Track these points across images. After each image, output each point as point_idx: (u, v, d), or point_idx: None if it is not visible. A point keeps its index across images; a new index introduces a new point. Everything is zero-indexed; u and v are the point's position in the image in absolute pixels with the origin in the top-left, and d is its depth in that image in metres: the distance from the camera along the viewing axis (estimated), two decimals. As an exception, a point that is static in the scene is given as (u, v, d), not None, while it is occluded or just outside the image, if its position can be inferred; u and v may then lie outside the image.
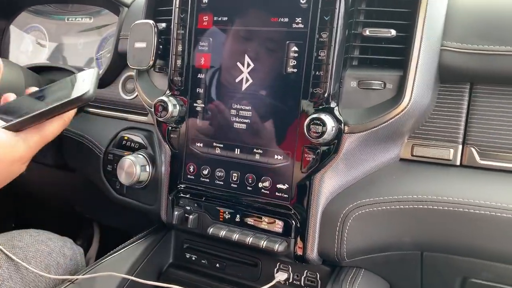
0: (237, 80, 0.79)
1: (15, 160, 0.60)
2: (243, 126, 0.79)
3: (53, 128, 0.66)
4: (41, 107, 0.65)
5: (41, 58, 1.25)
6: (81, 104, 0.67)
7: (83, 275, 0.78)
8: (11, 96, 0.71)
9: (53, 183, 1.28)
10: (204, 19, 0.81)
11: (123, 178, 0.88)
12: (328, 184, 0.74)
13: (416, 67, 0.69)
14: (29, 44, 1.29)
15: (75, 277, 0.77)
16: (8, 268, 0.76)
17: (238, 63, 0.78)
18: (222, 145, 0.81)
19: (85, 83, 0.67)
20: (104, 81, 1.03)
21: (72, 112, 0.70)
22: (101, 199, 1.08)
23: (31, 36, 1.28)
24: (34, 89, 0.74)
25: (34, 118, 0.65)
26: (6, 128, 0.63)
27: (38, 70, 1.11)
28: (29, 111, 0.65)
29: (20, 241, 0.81)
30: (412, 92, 0.69)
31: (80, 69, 1.13)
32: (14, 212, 1.64)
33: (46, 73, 1.13)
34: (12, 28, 1.30)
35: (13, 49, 1.30)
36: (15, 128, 0.64)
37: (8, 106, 0.70)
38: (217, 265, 0.90)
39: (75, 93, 0.66)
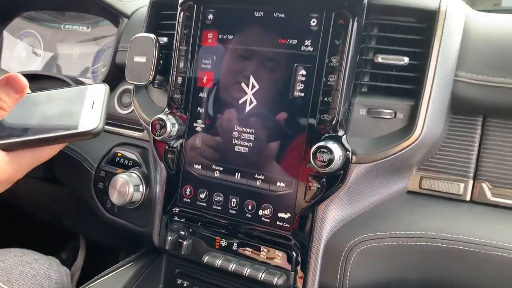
0: (240, 101, 0.75)
1: (2, 181, 0.55)
2: (245, 149, 0.75)
3: (50, 152, 0.60)
4: (40, 129, 0.58)
5: (34, 65, 1.20)
6: (90, 138, 0.60)
7: (67, 301, 0.73)
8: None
9: (40, 196, 1.23)
10: (209, 36, 0.78)
11: (115, 197, 0.84)
12: (332, 215, 0.70)
13: (429, 98, 0.66)
14: (22, 51, 1.25)
15: (59, 303, 0.73)
16: (-11, 291, 0.71)
17: (243, 84, 0.75)
18: (221, 168, 0.77)
19: (95, 111, 0.60)
20: (99, 94, 0.99)
21: None
22: (90, 215, 1.03)
23: (25, 42, 1.23)
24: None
25: (31, 143, 0.58)
26: None
27: (29, 78, 1.06)
28: (26, 130, 0.58)
29: (3, 261, 0.77)
30: (424, 123, 0.66)
31: (74, 79, 1.09)
32: (-4, 222, 1.58)
33: (37, 82, 1.08)
34: (5, 33, 1.26)
35: (5, 55, 1.26)
36: (8, 149, 0.57)
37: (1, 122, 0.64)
38: (210, 293, 0.85)
39: (83, 125, 0.58)
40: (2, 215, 1.56)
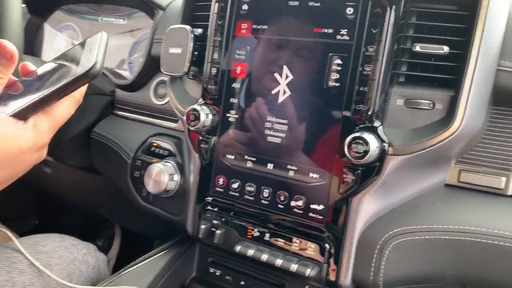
0: (273, 92, 0.75)
1: (27, 149, 0.54)
2: (278, 140, 0.75)
3: (64, 109, 0.58)
4: (45, 88, 0.57)
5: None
6: (89, 81, 0.58)
7: (104, 286, 0.75)
8: (31, 66, 0.64)
9: (78, 184, 1.27)
10: (243, 27, 0.77)
11: (150, 186, 0.85)
12: (367, 207, 0.69)
13: (470, 88, 0.64)
14: (61, 42, 1.28)
15: (96, 287, 0.75)
16: (31, 274, 0.74)
17: (276, 74, 0.75)
18: (254, 159, 0.77)
19: (92, 54, 0.57)
20: (135, 85, 1.01)
21: (84, 87, 0.61)
22: (125, 204, 1.06)
23: (65, 35, 1.27)
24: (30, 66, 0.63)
25: (40, 103, 0.56)
26: (11, 116, 0.56)
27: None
28: (33, 95, 0.57)
29: (44, 246, 0.79)
30: (464, 114, 0.64)
31: (111, 70, 1.12)
32: (36, 210, 1.65)
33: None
34: (46, 26, 1.30)
35: (46, 47, 1.30)
36: (21, 116, 0.57)
37: (9, 93, 0.62)
38: (242, 282, 0.86)
39: (81, 68, 0.56)
40: (40, 203, 1.63)
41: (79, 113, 1.03)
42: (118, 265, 1.42)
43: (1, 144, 0.49)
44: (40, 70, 0.62)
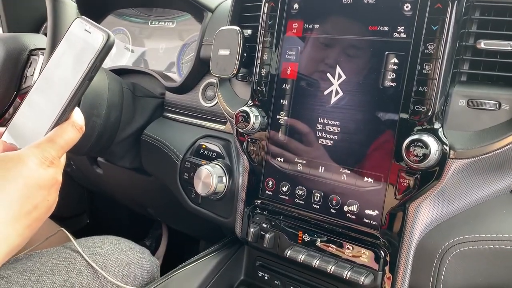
0: (325, 93, 0.73)
1: (34, 164, 0.52)
2: (330, 142, 0.73)
3: (67, 135, 0.56)
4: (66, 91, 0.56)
5: (124, 60, 1.26)
6: (109, 51, 0.56)
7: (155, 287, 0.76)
8: None
9: (128, 185, 1.30)
10: (294, 26, 0.76)
11: (200, 188, 0.85)
12: (426, 214, 0.65)
13: (542, 87, 0.59)
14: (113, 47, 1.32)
15: (147, 288, 0.76)
16: (88, 275, 0.75)
17: (328, 74, 0.73)
18: (304, 162, 0.75)
19: (94, 31, 0.56)
20: (184, 87, 1.02)
21: (82, 118, 0.58)
22: (173, 204, 1.07)
23: (116, 38, 1.30)
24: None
25: (72, 99, 0.56)
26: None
27: (119, 72, 1.12)
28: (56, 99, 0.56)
29: (101, 248, 0.81)
30: (534, 115, 0.59)
31: (160, 73, 1.13)
32: (88, 209, 1.70)
33: (126, 76, 1.14)
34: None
35: (98, 51, 1.34)
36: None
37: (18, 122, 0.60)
38: (291, 287, 0.84)
39: (97, 44, 0.54)
40: (95, 201, 1.68)
41: (130, 115, 1.05)
42: (165, 265, 1.44)
43: (13, 164, 0.50)
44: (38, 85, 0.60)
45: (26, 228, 0.50)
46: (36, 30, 1.34)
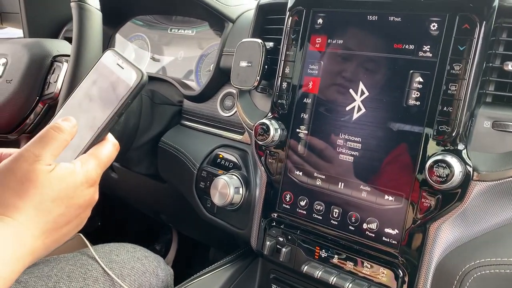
0: (347, 108, 0.73)
1: (81, 183, 0.53)
2: (350, 158, 0.72)
3: (107, 150, 0.57)
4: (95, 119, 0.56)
5: (142, 67, 1.27)
6: (141, 90, 0.56)
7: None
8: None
9: (142, 190, 1.30)
10: (317, 41, 0.76)
11: (216, 198, 0.85)
12: (446, 235, 0.65)
13: None
14: (132, 52, 1.33)
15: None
16: (104, 283, 0.76)
17: (351, 90, 0.72)
18: (324, 177, 0.75)
19: (127, 68, 0.56)
20: (203, 96, 1.02)
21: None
22: (186, 211, 1.07)
23: (135, 45, 1.31)
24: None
25: (102, 131, 0.56)
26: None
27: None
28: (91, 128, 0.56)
29: (118, 255, 0.81)
30: (561, 139, 0.59)
31: (179, 81, 1.14)
32: (101, 211, 1.71)
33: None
34: (118, 36, 1.35)
35: (117, 56, 1.35)
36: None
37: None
38: (305, 302, 0.83)
39: (131, 81, 0.55)
40: (108, 205, 1.69)
41: (148, 122, 1.06)
42: (175, 272, 1.44)
43: (60, 185, 0.50)
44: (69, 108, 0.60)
45: (53, 242, 0.51)
46: (56, 34, 1.35)
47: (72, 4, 0.78)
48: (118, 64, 0.57)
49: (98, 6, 0.82)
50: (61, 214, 0.50)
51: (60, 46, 0.94)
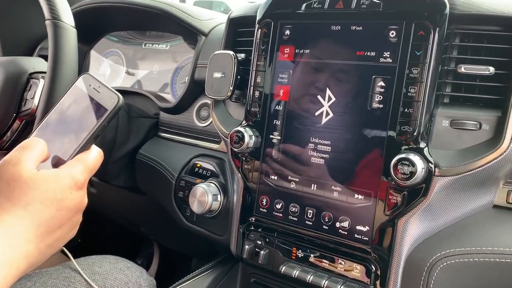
0: (316, 114, 0.76)
1: (69, 187, 0.54)
2: (321, 161, 0.76)
3: (93, 157, 0.58)
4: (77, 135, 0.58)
5: (118, 82, 1.29)
6: (117, 113, 0.59)
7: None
8: None
9: (121, 203, 1.31)
10: (285, 51, 0.80)
11: (195, 206, 0.87)
12: (414, 229, 0.69)
13: (518, 108, 0.63)
14: (107, 68, 1.34)
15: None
16: (87, 294, 0.77)
17: (319, 96, 0.76)
18: (297, 180, 0.78)
19: (104, 92, 0.59)
20: (179, 108, 1.05)
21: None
22: (167, 223, 1.08)
23: (110, 60, 1.33)
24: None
25: (81, 149, 0.58)
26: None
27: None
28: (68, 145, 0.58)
29: (100, 267, 0.82)
30: (513, 135, 0.63)
31: (155, 94, 1.16)
32: (80, 228, 1.70)
33: (123, 97, 1.16)
34: (93, 52, 1.36)
35: (92, 72, 1.36)
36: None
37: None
38: (285, 303, 0.86)
39: (109, 105, 0.57)
40: (87, 221, 1.68)
41: (125, 135, 1.08)
42: (157, 284, 1.44)
43: (46, 186, 0.52)
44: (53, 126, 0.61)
45: (48, 247, 0.52)
46: (31, 52, 1.36)
47: (47, 22, 0.80)
48: (94, 88, 0.60)
49: (73, 24, 0.84)
50: (52, 217, 0.51)
51: (36, 63, 0.96)
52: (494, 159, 0.64)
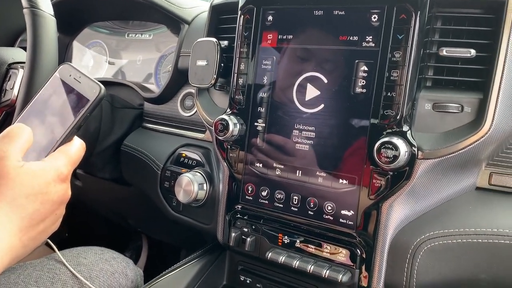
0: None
1: (53, 180, 0.53)
2: (306, 147, 0.76)
3: (75, 148, 0.58)
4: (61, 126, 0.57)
5: (101, 73, 1.27)
6: (99, 104, 0.58)
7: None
8: None
9: (108, 196, 1.30)
10: (268, 37, 0.79)
11: (181, 196, 0.87)
12: (398, 212, 0.69)
13: (499, 90, 0.64)
14: (90, 59, 1.33)
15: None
16: (73, 286, 0.76)
17: (303, 82, 0.76)
18: (282, 167, 0.78)
19: (85, 83, 0.57)
20: (163, 98, 1.04)
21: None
22: (155, 214, 1.08)
23: (93, 51, 1.31)
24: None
25: (64, 140, 0.57)
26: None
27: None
28: (51, 135, 0.57)
29: (85, 258, 0.82)
30: (493, 116, 0.64)
31: (139, 84, 1.15)
32: (67, 222, 1.68)
33: (105, 88, 1.15)
34: (75, 43, 1.34)
35: (75, 63, 1.34)
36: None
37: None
38: (273, 290, 0.86)
39: (91, 96, 0.56)
40: (74, 214, 1.66)
41: (109, 126, 1.07)
42: (146, 276, 1.44)
43: (32, 181, 0.51)
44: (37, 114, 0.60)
45: (31, 240, 0.51)
46: (11, 44, 1.34)
47: (25, 11, 0.79)
48: (75, 78, 0.58)
49: (52, 12, 0.82)
50: (36, 210, 0.51)
51: (15, 54, 0.94)
52: (476, 141, 0.65)
